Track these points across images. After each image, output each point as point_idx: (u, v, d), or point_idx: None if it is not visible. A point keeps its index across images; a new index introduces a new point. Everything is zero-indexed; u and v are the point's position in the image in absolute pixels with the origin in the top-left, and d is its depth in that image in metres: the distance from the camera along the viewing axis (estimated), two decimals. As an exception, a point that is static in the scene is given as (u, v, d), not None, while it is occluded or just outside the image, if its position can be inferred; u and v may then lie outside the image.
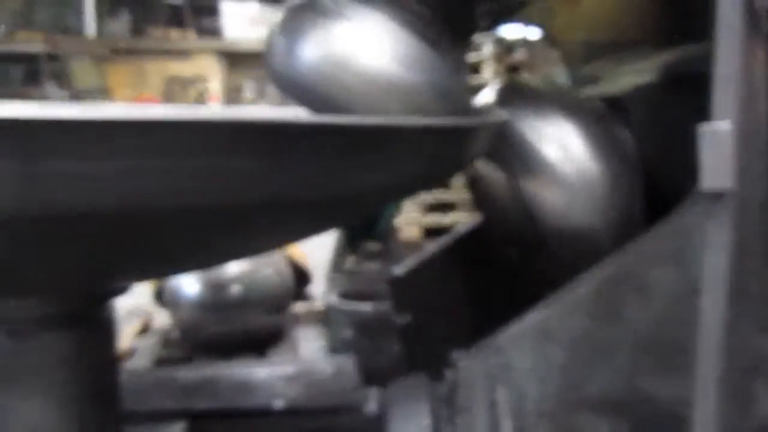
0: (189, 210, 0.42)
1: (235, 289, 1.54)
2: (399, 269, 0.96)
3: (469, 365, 0.62)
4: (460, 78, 0.69)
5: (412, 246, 2.10)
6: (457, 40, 0.71)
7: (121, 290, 0.70)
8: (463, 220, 2.16)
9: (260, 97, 9.88)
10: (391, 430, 0.65)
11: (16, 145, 0.35)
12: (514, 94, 0.79)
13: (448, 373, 0.64)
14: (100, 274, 0.60)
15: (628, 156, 0.74)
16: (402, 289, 0.95)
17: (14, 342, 0.64)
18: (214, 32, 9.48)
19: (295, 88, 0.67)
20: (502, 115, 0.66)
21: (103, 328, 0.70)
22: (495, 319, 0.72)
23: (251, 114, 0.42)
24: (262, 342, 1.63)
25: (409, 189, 0.58)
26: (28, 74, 7.25)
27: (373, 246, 1.96)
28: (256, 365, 1.01)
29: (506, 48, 2.26)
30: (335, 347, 1.47)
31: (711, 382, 0.37)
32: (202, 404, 0.89)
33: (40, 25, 7.80)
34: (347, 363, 1.02)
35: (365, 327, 1.20)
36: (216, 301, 1.51)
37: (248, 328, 1.56)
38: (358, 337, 1.22)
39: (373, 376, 0.96)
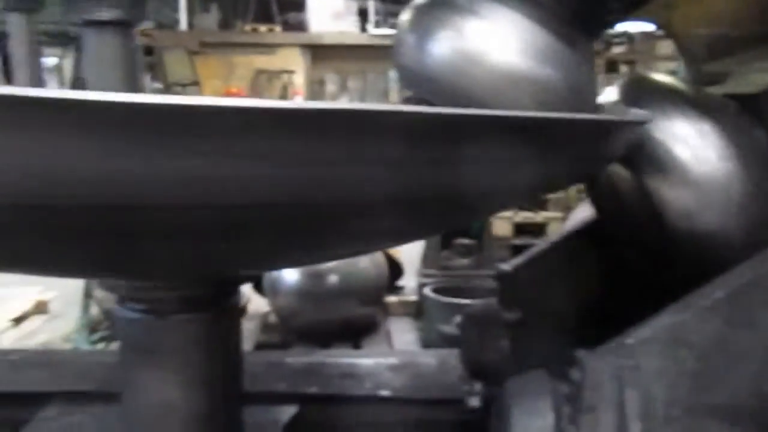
0: (350, 203, 0.43)
1: (333, 279, 1.58)
2: (507, 265, 0.95)
3: (597, 365, 0.61)
4: (590, 73, 0.68)
5: (503, 243, 2.08)
6: (587, 35, 0.70)
7: (250, 278, 0.73)
8: (554, 217, 2.13)
9: (342, 90, 10.03)
10: (513, 425, 0.65)
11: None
12: (639, 91, 0.77)
13: (573, 372, 0.63)
14: (237, 264, 0.63)
15: (763, 157, 0.71)
16: (510, 286, 0.94)
17: (153, 321, 0.68)
18: (300, 26, 9.68)
19: (425, 84, 0.68)
20: (644, 114, 0.65)
21: (231, 312, 0.74)
22: (609, 318, 0.71)
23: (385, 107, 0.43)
24: (357, 332, 1.67)
25: (550, 187, 0.58)
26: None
27: (465, 242, 1.95)
28: (361, 355, 1.03)
29: (606, 43, 2.20)
30: (429, 340, 1.48)
31: None
32: (312, 389, 0.92)
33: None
34: (450, 356, 1.02)
35: (463, 321, 1.20)
36: (314, 290, 1.55)
37: (344, 317, 1.60)
38: (455, 332, 1.23)
39: (473, 370, 0.96)
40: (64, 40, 6.89)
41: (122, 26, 0.67)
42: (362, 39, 8.89)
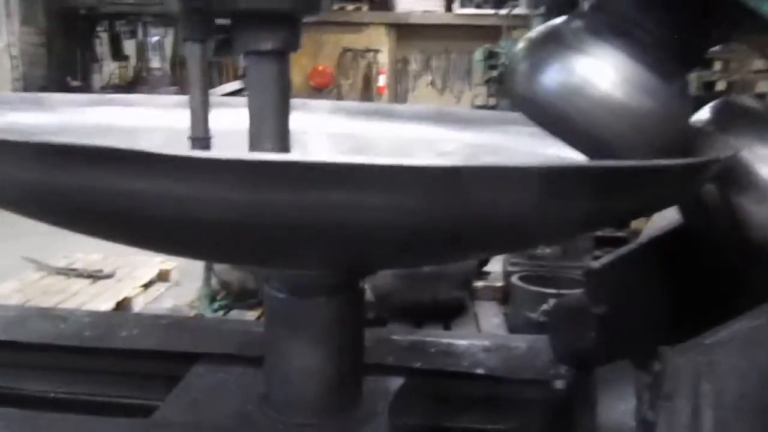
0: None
1: (428, 264, 1.72)
2: (597, 263, 1.05)
3: (677, 360, 0.71)
4: (684, 103, 0.77)
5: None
6: (683, 68, 0.79)
7: (375, 269, 0.87)
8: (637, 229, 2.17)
9: (425, 69, 10.09)
10: (599, 407, 0.76)
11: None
12: (728, 114, 0.85)
13: (655, 365, 0.74)
14: (373, 264, 0.76)
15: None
16: (598, 282, 1.04)
17: (298, 301, 0.83)
18: (386, 5, 9.78)
19: (534, 109, 0.78)
20: (730, 148, 0.73)
21: (358, 296, 0.88)
22: (690, 317, 0.80)
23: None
24: (447, 313, 1.80)
25: (631, 216, 0.68)
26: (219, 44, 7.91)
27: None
28: (457, 336, 1.15)
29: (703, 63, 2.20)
30: (516, 326, 1.59)
31: None
32: (417, 364, 1.05)
33: None
34: (539, 342, 1.13)
35: (554, 311, 1.30)
36: (409, 272, 1.68)
37: (436, 299, 1.74)
38: (542, 319, 1.33)
39: (562, 356, 1.07)
40: (165, 20, 7.29)
41: (279, 55, 0.81)
42: (447, 18, 8.89)
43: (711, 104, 0.87)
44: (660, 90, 0.74)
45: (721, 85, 4.96)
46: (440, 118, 1.22)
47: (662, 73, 0.74)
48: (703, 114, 0.86)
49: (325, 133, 0.84)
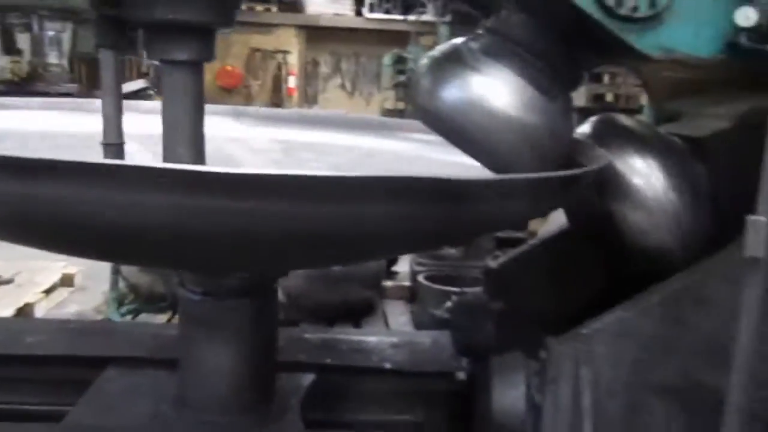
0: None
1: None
2: (494, 263, 1.14)
3: (560, 348, 0.80)
4: (567, 119, 0.86)
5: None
6: (565, 87, 0.88)
7: (286, 272, 0.91)
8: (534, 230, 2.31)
9: (335, 72, 10.13)
10: (494, 394, 0.84)
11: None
12: (606, 129, 0.95)
13: (542, 353, 0.82)
14: (285, 266, 0.81)
15: (700, 189, 0.89)
16: (495, 280, 1.13)
17: (213, 303, 0.86)
18: (295, 7, 9.75)
19: (435, 121, 0.85)
20: (605, 159, 0.82)
21: (271, 297, 0.92)
22: (577, 309, 0.89)
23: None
24: (358, 312, 1.86)
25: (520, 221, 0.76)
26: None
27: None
28: (366, 333, 1.21)
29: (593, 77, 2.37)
30: (422, 322, 1.66)
31: (742, 373, 0.54)
32: (327, 360, 1.10)
33: None
34: (441, 337, 1.21)
35: (454, 308, 1.38)
36: (321, 274, 1.73)
37: (347, 299, 1.79)
38: (446, 316, 1.41)
39: (462, 350, 1.15)
40: (64, 15, 6.95)
41: (194, 65, 0.83)
42: (357, 22, 8.97)
43: (591, 120, 0.97)
44: (545, 107, 0.83)
45: (609, 97, 5.37)
46: (243, 116, 1.30)
47: (547, 92, 0.83)
48: (585, 128, 0.96)
49: (141, 135, 0.88)
